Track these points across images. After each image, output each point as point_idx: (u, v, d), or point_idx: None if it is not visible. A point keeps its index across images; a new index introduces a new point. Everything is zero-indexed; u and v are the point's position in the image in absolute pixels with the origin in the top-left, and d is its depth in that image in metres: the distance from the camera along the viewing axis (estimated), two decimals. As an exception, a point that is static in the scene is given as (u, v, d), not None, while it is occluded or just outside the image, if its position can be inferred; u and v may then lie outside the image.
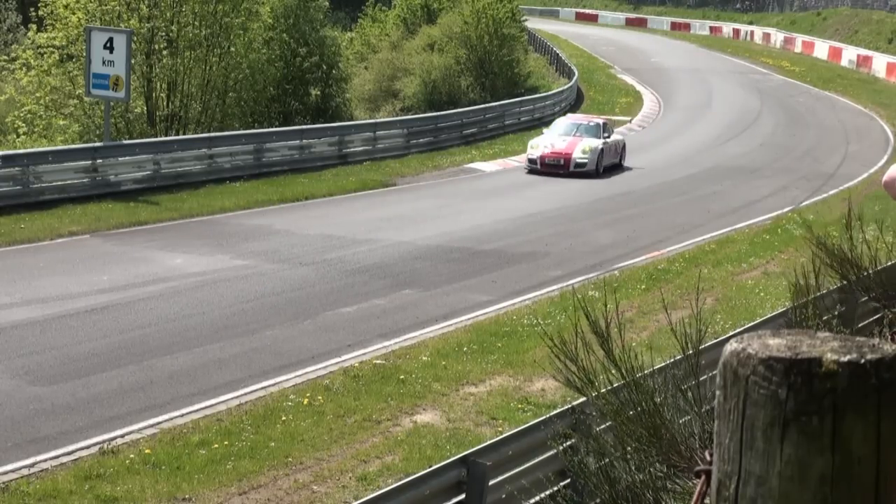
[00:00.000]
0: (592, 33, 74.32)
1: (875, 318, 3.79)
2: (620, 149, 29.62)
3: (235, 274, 16.85)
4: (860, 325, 3.67)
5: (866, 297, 3.64)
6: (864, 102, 45.34)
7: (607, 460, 2.95)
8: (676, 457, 2.71)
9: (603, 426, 3.08)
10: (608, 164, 28.60)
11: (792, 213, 23.49)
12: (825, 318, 3.38)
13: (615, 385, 2.88)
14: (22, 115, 29.22)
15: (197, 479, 10.08)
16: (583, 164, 27.74)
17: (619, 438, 2.83)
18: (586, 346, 2.87)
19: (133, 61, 25.86)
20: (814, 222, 16.97)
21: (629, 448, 2.80)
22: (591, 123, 29.62)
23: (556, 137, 28.67)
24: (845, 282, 3.55)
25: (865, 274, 3.54)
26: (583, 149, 27.89)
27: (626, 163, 29.67)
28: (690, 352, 2.91)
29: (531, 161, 28.10)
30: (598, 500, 3.05)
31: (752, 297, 16.65)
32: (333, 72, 38.08)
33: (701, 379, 2.91)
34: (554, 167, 27.71)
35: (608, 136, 29.02)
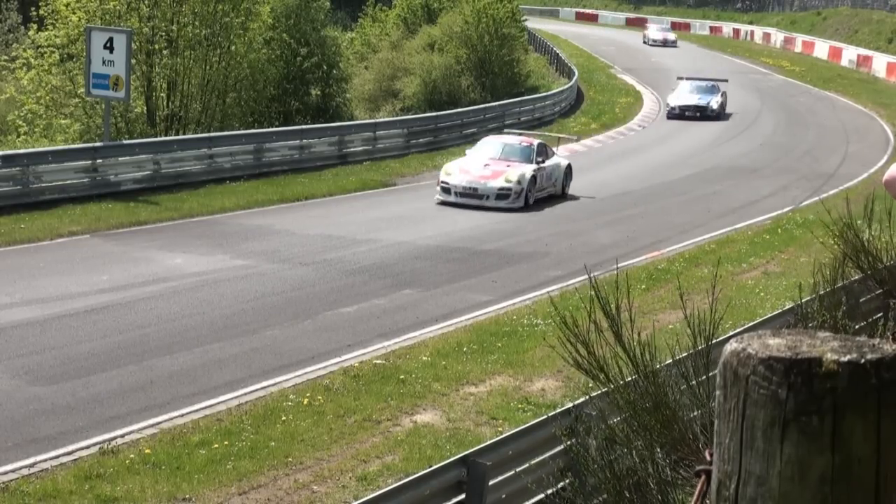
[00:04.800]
0: (592, 33, 74.33)
1: (879, 315, 3.78)
2: (561, 175, 24.88)
3: (235, 274, 16.85)
4: (866, 322, 3.66)
5: (880, 291, 3.64)
6: (864, 102, 45.34)
7: (616, 454, 2.95)
8: (686, 449, 2.71)
9: (614, 420, 3.08)
10: (542, 195, 24.05)
11: (792, 212, 23.49)
12: (839, 311, 3.38)
13: (625, 371, 2.87)
14: (22, 114, 29.22)
15: (197, 479, 10.08)
16: (506, 195, 23.17)
17: (629, 426, 2.83)
18: (598, 329, 2.86)
19: (133, 61, 25.87)
20: (816, 221, 16.95)
21: (640, 442, 2.79)
22: (523, 145, 24.88)
23: (478, 161, 24.05)
24: (861, 274, 3.55)
25: (882, 266, 3.54)
26: (507, 177, 23.37)
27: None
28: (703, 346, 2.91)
29: (444, 189, 23.42)
30: (603, 496, 3.05)
31: (752, 297, 16.65)
32: (334, 72, 38.07)
33: (704, 378, 2.91)
34: (470, 197, 23.15)
35: (543, 161, 24.33)
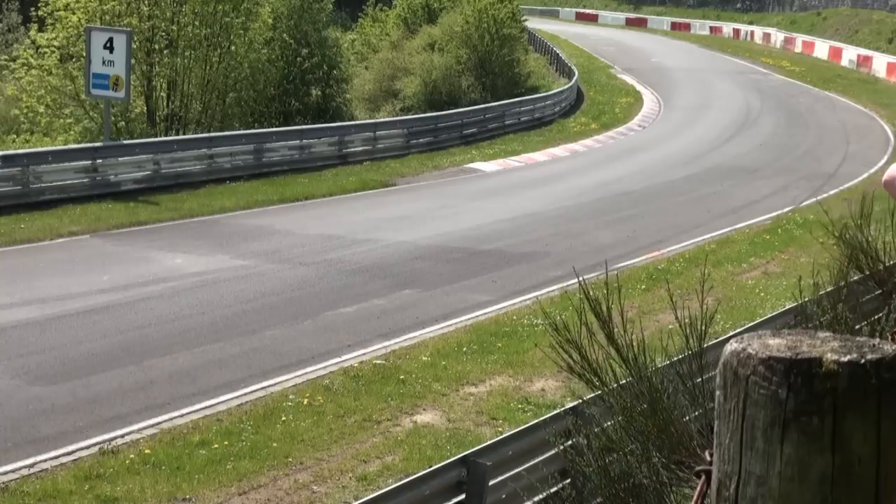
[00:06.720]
0: (592, 33, 74.30)
1: (878, 316, 3.78)
2: None
3: (235, 274, 16.85)
4: (866, 322, 3.66)
5: (880, 291, 3.63)
6: (865, 102, 45.33)
7: (613, 456, 2.94)
8: (683, 452, 2.70)
9: (608, 423, 3.08)
10: None
11: (792, 213, 23.49)
12: (841, 311, 3.37)
13: (619, 374, 2.87)
14: (23, 112, 29.22)
15: (197, 479, 10.08)
16: None
17: (624, 430, 2.82)
18: (591, 333, 2.86)
19: (133, 61, 25.86)
20: (816, 222, 16.96)
21: (636, 445, 2.79)
22: None
23: None
24: (861, 274, 3.55)
25: (882, 266, 3.53)
26: None
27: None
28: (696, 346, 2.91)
29: None
30: (598, 500, 3.04)
31: (752, 297, 16.65)
32: (334, 72, 38.07)
33: (699, 379, 2.90)
34: None
35: None
